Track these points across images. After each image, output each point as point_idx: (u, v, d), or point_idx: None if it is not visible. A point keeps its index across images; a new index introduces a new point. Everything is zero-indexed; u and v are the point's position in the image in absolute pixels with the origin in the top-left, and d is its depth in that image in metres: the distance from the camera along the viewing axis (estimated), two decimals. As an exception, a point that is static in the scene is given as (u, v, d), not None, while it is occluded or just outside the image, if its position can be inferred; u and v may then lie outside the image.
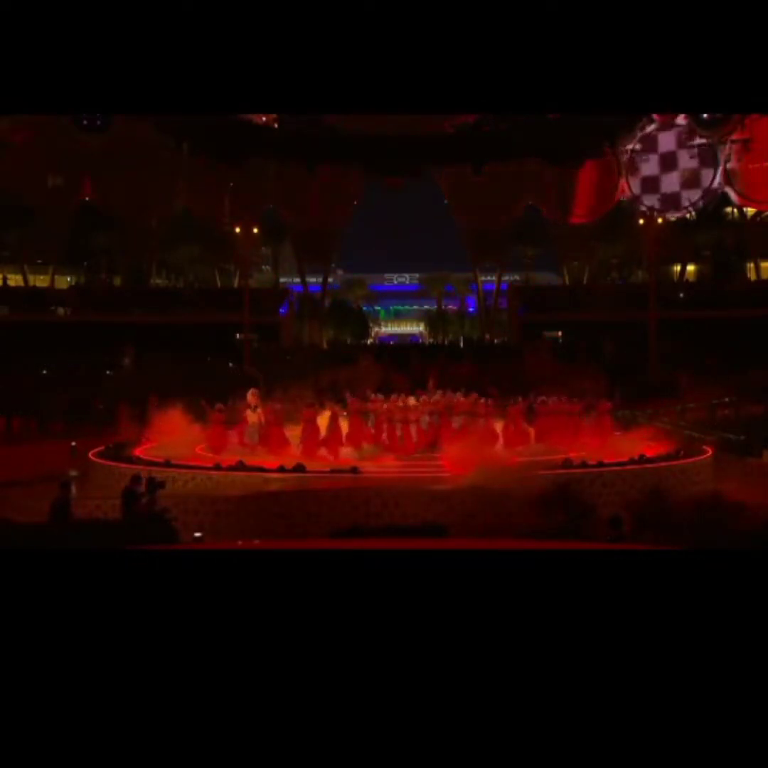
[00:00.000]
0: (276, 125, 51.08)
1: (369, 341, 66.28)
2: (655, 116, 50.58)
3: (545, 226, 55.94)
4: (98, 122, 48.42)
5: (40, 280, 54.80)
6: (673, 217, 52.00)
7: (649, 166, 52.95)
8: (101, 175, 49.48)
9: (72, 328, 45.86)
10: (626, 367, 35.49)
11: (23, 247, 53.19)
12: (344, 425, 19.93)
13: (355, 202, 57.51)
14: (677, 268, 56.97)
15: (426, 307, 76.70)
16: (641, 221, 47.13)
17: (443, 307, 72.54)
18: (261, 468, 17.32)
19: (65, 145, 47.78)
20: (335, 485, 16.27)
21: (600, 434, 20.48)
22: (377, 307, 79.82)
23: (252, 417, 20.14)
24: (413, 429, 19.82)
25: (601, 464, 17.50)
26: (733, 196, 52.23)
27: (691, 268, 57.52)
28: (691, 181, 52.49)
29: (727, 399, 28.19)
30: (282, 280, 64.24)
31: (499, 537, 10.73)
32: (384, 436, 19.70)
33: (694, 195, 52.51)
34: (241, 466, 17.52)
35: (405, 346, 57.82)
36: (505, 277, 61.13)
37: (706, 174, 52.00)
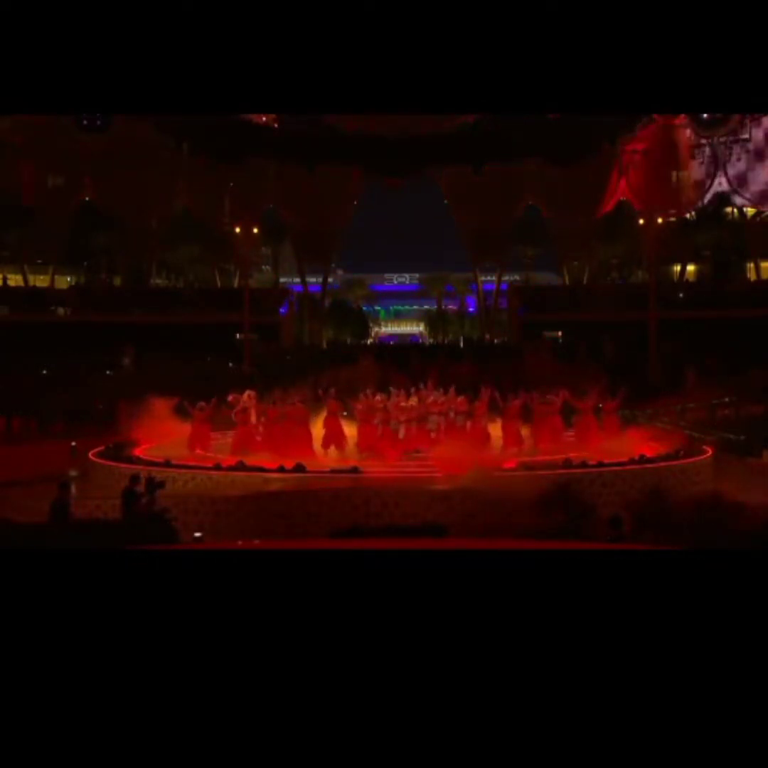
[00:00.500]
0: (276, 125, 51.09)
1: (369, 341, 66.28)
2: None
3: (545, 226, 55.95)
4: (98, 122, 48.43)
5: (40, 280, 54.80)
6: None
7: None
8: (101, 174, 49.51)
9: (72, 328, 45.85)
10: (626, 367, 35.46)
11: (23, 247, 53.18)
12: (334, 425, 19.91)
13: (355, 202, 57.53)
14: (677, 268, 56.98)
15: (426, 307, 76.71)
16: (641, 221, 47.12)
17: (443, 307, 72.55)
18: (261, 468, 17.32)
19: (65, 145, 47.83)
20: (335, 485, 16.26)
21: (606, 433, 20.41)
22: (377, 307, 79.81)
23: (243, 417, 20.15)
24: (401, 430, 19.78)
25: (601, 464, 17.49)
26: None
27: (691, 268, 57.52)
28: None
29: (727, 399, 28.17)
30: (282, 280, 64.24)
31: (499, 537, 10.71)
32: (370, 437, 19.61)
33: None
34: (241, 466, 17.52)
35: (405, 346, 57.80)
36: (505, 277, 61.13)
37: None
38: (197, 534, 13.05)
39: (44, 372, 38.25)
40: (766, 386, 28.45)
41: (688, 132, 53.01)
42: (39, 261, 55.22)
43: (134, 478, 14.17)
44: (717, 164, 53.05)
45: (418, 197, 64.62)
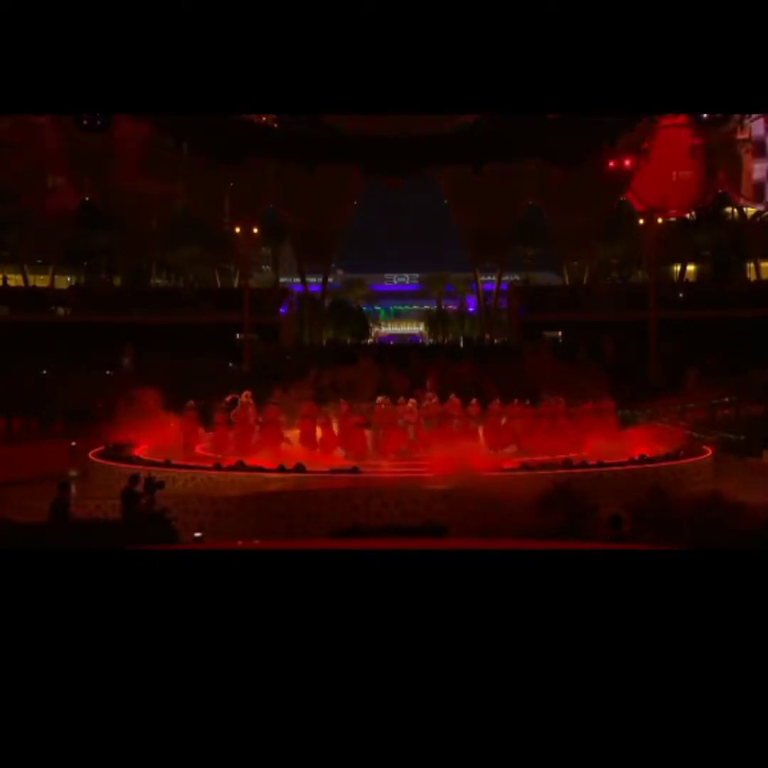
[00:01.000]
0: (276, 125, 51.08)
1: (369, 341, 66.28)
2: None
3: (545, 226, 55.95)
4: (98, 122, 48.42)
5: (40, 280, 54.78)
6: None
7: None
8: (101, 175, 49.51)
9: (72, 328, 45.85)
10: (626, 367, 35.46)
11: (23, 247, 53.17)
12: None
13: (355, 202, 57.52)
14: (677, 268, 56.98)
15: (426, 307, 76.73)
16: (641, 221, 47.11)
17: (443, 307, 72.55)
18: (261, 468, 17.33)
19: (65, 145, 47.87)
20: (335, 485, 16.27)
21: (603, 433, 20.42)
22: (377, 307, 79.84)
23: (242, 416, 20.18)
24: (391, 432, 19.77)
25: (601, 464, 17.49)
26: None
27: (691, 268, 57.52)
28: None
29: (727, 399, 28.17)
30: (282, 280, 64.25)
31: (499, 537, 10.71)
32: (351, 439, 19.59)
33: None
34: (241, 466, 17.53)
35: (405, 346, 57.79)
36: (505, 277, 61.10)
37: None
38: (197, 534, 13.05)
39: (44, 372, 38.24)
40: (766, 386, 28.44)
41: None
42: (39, 261, 55.21)
43: (133, 478, 14.18)
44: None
45: (418, 197, 64.68)
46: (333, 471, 17.32)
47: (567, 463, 17.44)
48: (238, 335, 44.95)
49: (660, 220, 45.90)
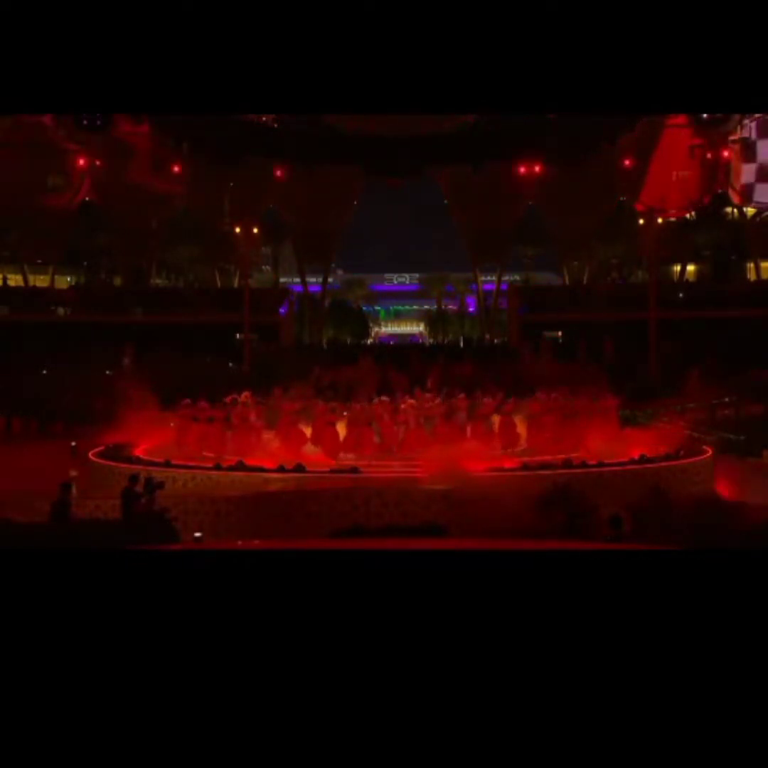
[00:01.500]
0: (276, 125, 51.04)
1: (369, 341, 66.30)
2: None
3: (545, 226, 55.93)
4: (98, 122, 48.38)
5: (40, 280, 54.76)
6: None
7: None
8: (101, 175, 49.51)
9: (72, 328, 45.84)
10: (626, 367, 35.47)
11: (23, 247, 53.17)
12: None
13: (355, 202, 57.50)
14: (677, 268, 56.96)
15: (426, 307, 76.74)
16: (641, 221, 47.11)
17: (443, 307, 72.54)
18: (261, 468, 17.33)
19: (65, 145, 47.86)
20: (335, 485, 16.27)
21: (605, 432, 20.40)
22: (377, 307, 79.85)
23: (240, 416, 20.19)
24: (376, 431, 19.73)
25: (601, 464, 17.49)
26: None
27: (691, 268, 57.50)
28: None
29: (727, 399, 28.17)
30: (282, 280, 64.26)
31: (499, 537, 10.71)
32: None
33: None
34: (241, 466, 17.53)
35: (405, 346, 57.80)
36: (505, 277, 61.10)
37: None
38: (197, 534, 13.06)
39: (44, 372, 38.25)
40: (766, 386, 28.45)
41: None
42: (39, 261, 55.20)
43: (133, 478, 14.18)
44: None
45: (418, 197, 64.68)
46: (333, 471, 17.33)
47: (567, 463, 17.44)
48: (238, 335, 44.96)
49: (660, 220, 45.90)
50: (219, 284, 58.88)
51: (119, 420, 20.63)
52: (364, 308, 73.21)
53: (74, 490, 14.86)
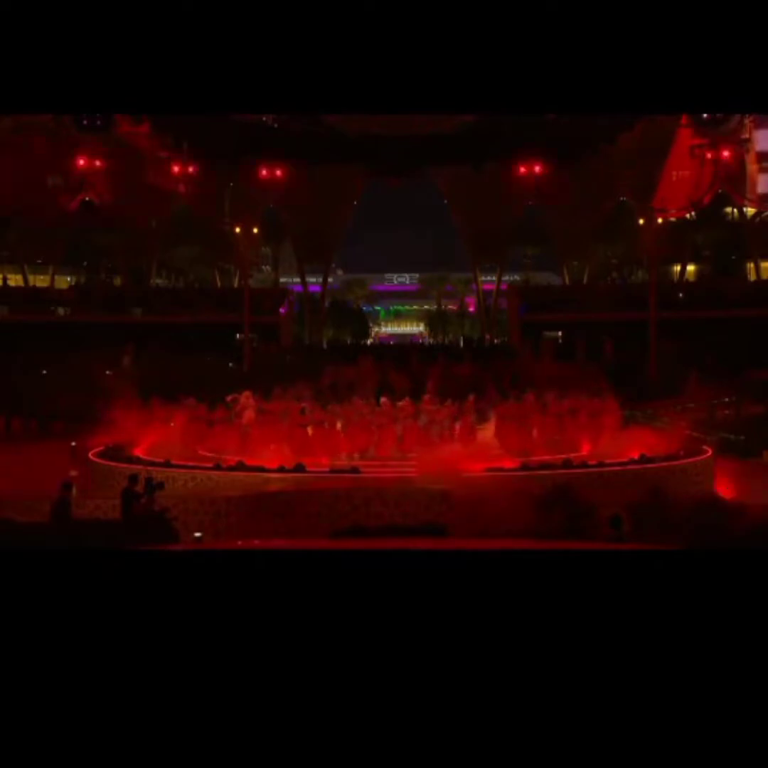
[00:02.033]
0: (276, 125, 51.02)
1: (369, 341, 66.33)
2: None
3: (545, 226, 55.93)
4: (98, 122, 48.36)
5: (40, 280, 54.75)
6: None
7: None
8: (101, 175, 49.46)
9: (72, 328, 45.83)
10: (626, 367, 35.46)
11: (23, 247, 53.15)
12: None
13: (355, 202, 57.50)
14: (677, 268, 56.95)
15: (426, 307, 76.76)
16: (641, 221, 47.08)
17: (443, 307, 72.57)
18: (261, 468, 17.32)
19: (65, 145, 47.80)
20: (335, 485, 16.27)
21: (603, 432, 20.37)
22: (377, 307, 79.88)
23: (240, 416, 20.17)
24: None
25: (601, 464, 17.49)
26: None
27: (691, 268, 57.49)
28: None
29: (727, 399, 28.17)
30: (282, 280, 64.25)
31: (499, 537, 10.71)
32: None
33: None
34: (241, 466, 17.52)
35: (405, 346, 57.81)
36: (505, 277, 61.10)
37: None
38: (197, 534, 13.05)
39: (44, 372, 38.23)
40: (766, 386, 28.45)
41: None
42: (39, 261, 55.19)
43: (133, 479, 14.17)
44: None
45: (418, 197, 64.69)
46: (333, 471, 17.33)
47: (567, 463, 17.43)
48: (238, 335, 44.95)
49: (660, 220, 45.86)
50: (219, 284, 58.88)
51: (119, 420, 20.59)
52: (364, 308, 73.23)
53: (74, 490, 14.86)
